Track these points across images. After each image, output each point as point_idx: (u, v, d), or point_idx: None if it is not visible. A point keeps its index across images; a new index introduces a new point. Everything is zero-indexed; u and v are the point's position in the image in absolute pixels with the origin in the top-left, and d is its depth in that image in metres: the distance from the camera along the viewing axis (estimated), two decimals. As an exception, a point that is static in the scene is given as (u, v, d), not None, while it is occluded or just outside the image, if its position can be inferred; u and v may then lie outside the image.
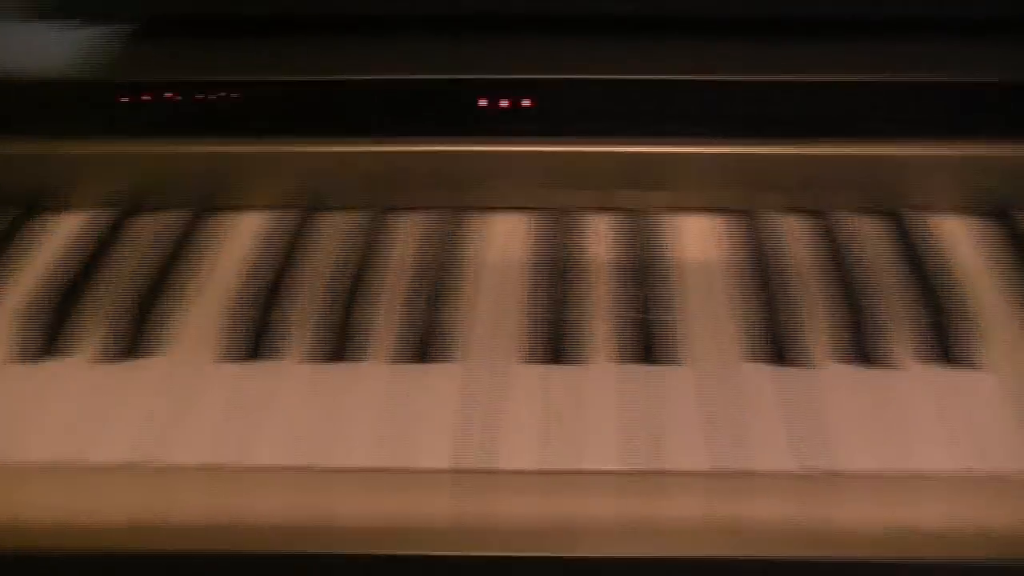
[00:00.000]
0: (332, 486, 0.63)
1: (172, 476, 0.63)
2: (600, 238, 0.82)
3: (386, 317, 0.73)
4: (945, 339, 0.70)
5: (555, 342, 0.71)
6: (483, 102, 0.82)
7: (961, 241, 0.81)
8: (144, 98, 0.82)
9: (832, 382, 0.68)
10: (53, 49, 0.85)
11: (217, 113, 0.83)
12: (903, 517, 0.62)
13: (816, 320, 0.73)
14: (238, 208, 0.84)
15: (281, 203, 0.83)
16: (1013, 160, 0.81)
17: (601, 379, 0.68)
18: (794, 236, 0.81)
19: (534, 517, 0.62)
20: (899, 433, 0.64)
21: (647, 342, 0.71)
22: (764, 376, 0.68)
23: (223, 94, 0.83)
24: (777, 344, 0.70)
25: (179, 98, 0.83)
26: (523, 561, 0.61)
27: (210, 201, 0.84)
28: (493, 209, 0.84)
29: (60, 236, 0.82)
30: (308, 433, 0.65)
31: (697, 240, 0.81)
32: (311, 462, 0.64)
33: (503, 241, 0.82)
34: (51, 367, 0.70)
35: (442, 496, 0.63)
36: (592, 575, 0.62)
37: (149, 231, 0.82)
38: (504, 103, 0.82)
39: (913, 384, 0.68)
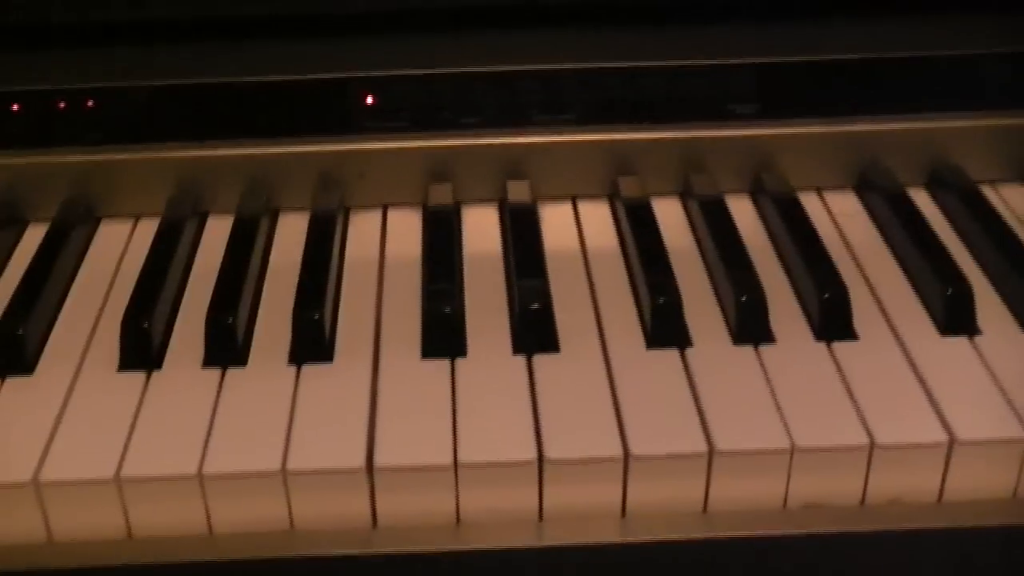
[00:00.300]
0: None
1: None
2: (482, 230, 0.82)
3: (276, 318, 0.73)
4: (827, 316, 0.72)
5: (449, 336, 0.70)
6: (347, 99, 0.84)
7: (847, 215, 0.83)
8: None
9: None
10: None
11: (80, 121, 0.83)
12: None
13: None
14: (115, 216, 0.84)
15: (154, 210, 0.83)
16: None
17: (498, 370, 0.68)
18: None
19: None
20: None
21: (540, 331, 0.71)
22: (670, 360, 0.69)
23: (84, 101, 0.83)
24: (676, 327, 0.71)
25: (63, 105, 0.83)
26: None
27: (86, 211, 0.83)
28: (373, 207, 0.85)
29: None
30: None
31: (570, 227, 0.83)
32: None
33: (388, 238, 0.82)
34: None
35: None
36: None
37: (14, 245, 0.82)
38: (369, 100, 0.84)
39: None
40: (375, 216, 0.84)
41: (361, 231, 0.83)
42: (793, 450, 0.63)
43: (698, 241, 0.81)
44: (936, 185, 0.85)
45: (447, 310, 0.71)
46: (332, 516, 0.63)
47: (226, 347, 0.70)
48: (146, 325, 0.70)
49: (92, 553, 0.62)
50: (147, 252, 0.78)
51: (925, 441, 0.63)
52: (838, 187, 0.86)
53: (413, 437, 0.63)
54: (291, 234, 0.82)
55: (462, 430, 0.64)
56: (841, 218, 0.83)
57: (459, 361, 0.69)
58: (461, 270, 0.78)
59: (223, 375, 0.68)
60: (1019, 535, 0.64)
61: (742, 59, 0.85)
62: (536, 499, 0.63)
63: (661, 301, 0.71)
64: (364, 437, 0.63)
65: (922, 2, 0.87)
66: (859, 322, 0.72)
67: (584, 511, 0.63)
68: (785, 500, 0.64)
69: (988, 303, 0.74)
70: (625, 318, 0.73)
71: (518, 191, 0.83)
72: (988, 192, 0.84)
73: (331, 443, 0.63)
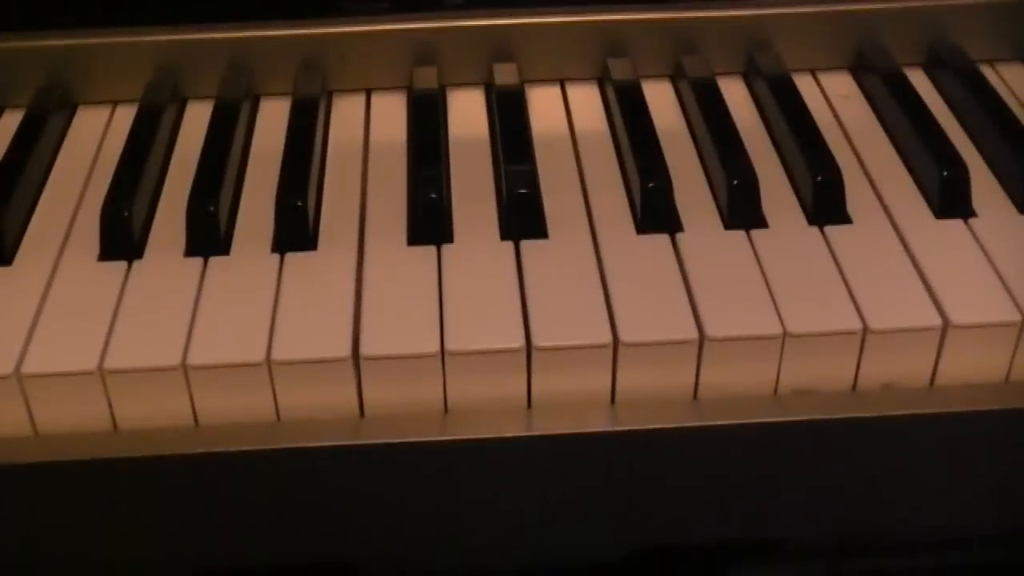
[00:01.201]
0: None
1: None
2: (469, 114, 0.81)
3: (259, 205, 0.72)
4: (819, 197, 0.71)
5: (435, 222, 0.69)
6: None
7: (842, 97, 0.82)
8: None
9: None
10: None
11: (55, 4, 0.81)
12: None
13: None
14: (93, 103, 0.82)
15: (132, 97, 0.81)
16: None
17: (485, 257, 0.67)
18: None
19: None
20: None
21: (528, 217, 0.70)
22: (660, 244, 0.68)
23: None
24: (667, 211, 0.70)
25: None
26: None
27: (62, 97, 0.81)
28: (356, 91, 0.83)
29: None
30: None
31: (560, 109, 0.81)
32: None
33: (372, 123, 0.80)
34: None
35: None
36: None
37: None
38: None
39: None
40: (359, 100, 0.82)
41: (344, 116, 0.81)
42: (785, 336, 0.62)
43: (689, 124, 0.79)
44: (933, 65, 0.84)
45: (433, 196, 0.70)
46: (319, 407, 0.62)
47: (208, 236, 0.69)
48: (126, 213, 0.69)
49: (77, 446, 0.61)
50: (126, 139, 0.76)
51: (919, 325, 0.63)
52: (833, 68, 0.84)
53: (399, 326, 0.63)
54: (273, 120, 0.80)
55: (449, 318, 0.63)
56: (836, 100, 0.81)
57: (446, 248, 0.68)
58: (447, 155, 0.76)
59: (205, 264, 0.67)
60: (1011, 419, 0.63)
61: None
62: (524, 387, 0.62)
63: (651, 185, 0.70)
64: (350, 326, 0.63)
65: None
66: (853, 206, 0.71)
67: (573, 399, 0.63)
68: (776, 387, 0.63)
69: (984, 185, 0.73)
70: (615, 203, 0.72)
71: (505, 74, 0.81)
72: (987, 71, 0.83)
73: (316, 332, 0.62)
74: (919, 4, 0.82)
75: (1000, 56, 0.84)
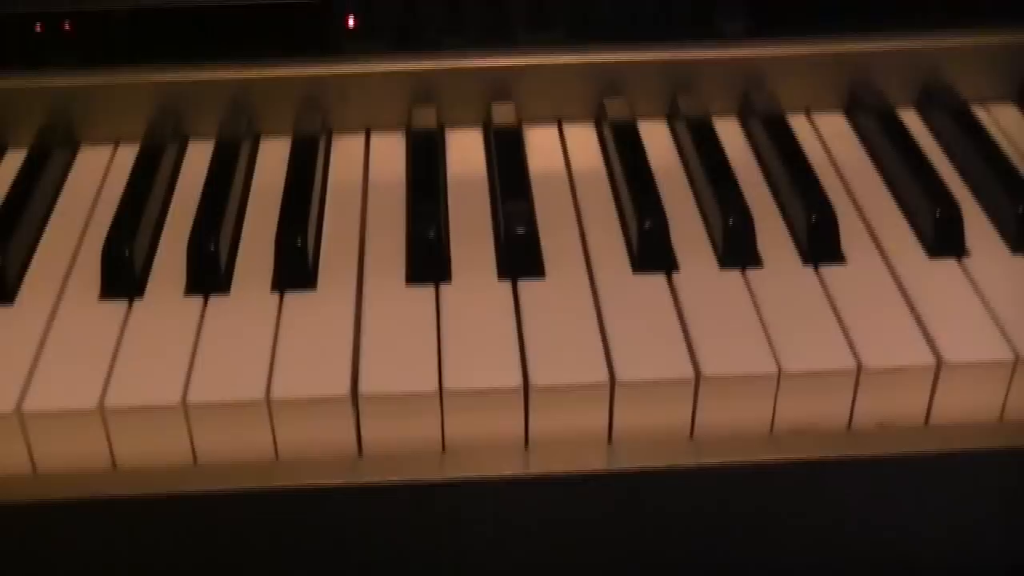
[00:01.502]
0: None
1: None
2: (467, 153, 0.81)
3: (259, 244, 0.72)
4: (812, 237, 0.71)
5: (433, 261, 0.70)
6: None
7: (836, 137, 0.83)
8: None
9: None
10: None
11: (57, 44, 0.81)
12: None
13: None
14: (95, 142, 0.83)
15: (134, 136, 0.82)
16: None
17: (483, 296, 0.68)
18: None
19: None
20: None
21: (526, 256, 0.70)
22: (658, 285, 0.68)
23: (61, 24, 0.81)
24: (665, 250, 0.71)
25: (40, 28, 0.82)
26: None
27: (65, 136, 0.82)
28: (356, 131, 0.83)
29: None
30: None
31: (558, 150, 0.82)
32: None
33: (372, 162, 0.81)
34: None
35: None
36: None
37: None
38: (351, 21, 0.82)
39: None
40: (358, 140, 0.83)
41: (344, 155, 0.81)
42: (780, 374, 0.62)
43: (685, 164, 0.80)
44: (926, 105, 0.84)
45: (432, 235, 0.70)
46: (317, 445, 0.62)
47: (208, 274, 0.69)
48: (127, 252, 0.69)
49: (76, 484, 0.62)
50: (128, 178, 0.77)
51: (913, 364, 0.63)
52: (827, 108, 0.85)
53: (398, 364, 0.63)
54: (273, 159, 0.80)
55: (447, 357, 0.63)
56: (830, 139, 0.82)
57: (444, 287, 0.68)
58: (445, 194, 0.77)
59: (205, 302, 0.68)
60: (1006, 457, 0.64)
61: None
62: (522, 426, 0.63)
63: (647, 225, 0.70)
64: (348, 365, 0.63)
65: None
66: (847, 245, 0.71)
67: (571, 437, 0.63)
68: (772, 425, 0.64)
69: (977, 225, 0.73)
70: (611, 242, 0.72)
71: (503, 114, 0.82)
72: (979, 112, 0.83)
73: (315, 371, 0.63)
74: (912, 46, 0.83)
75: (992, 97, 0.85)
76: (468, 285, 0.69)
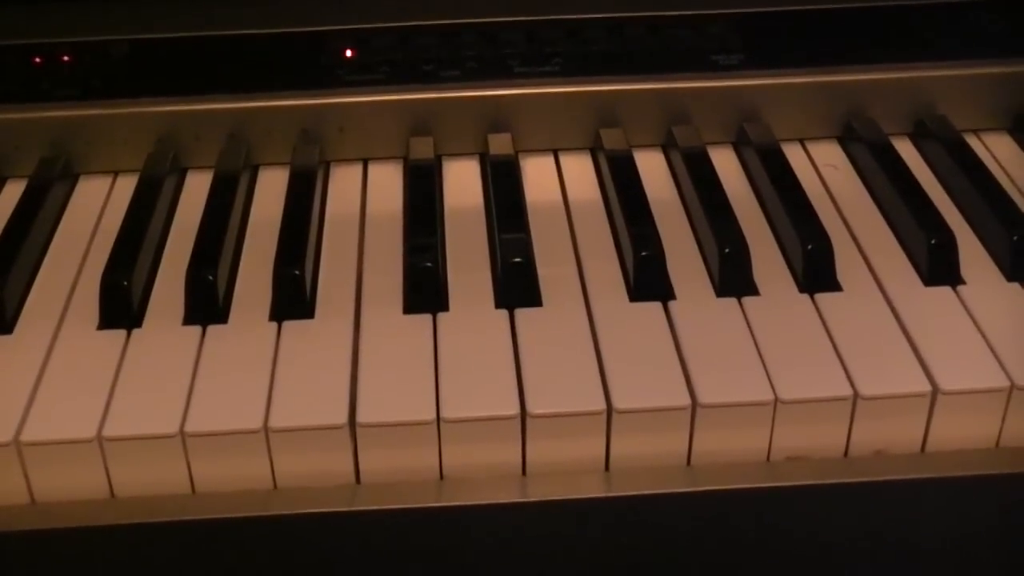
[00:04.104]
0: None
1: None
2: (464, 183, 0.82)
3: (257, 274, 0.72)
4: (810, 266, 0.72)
5: (430, 291, 0.70)
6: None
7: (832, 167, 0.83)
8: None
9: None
10: None
11: (56, 76, 0.83)
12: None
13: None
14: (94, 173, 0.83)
15: (133, 167, 0.82)
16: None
17: (480, 325, 0.68)
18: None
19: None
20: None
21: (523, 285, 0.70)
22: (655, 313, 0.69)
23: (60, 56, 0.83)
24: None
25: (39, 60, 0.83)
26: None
27: (64, 167, 0.82)
28: (353, 161, 0.84)
29: None
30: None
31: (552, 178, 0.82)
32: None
33: (369, 192, 0.81)
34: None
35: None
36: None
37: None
38: (349, 53, 0.83)
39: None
40: (356, 170, 0.83)
41: (341, 186, 0.82)
42: (776, 402, 0.62)
43: (681, 193, 0.80)
44: (920, 135, 0.85)
45: (429, 265, 0.70)
46: (315, 473, 0.63)
47: (207, 304, 0.69)
48: (125, 283, 0.70)
49: (75, 513, 0.62)
50: (126, 209, 0.77)
51: (909, 392, 0.63)
52: (822, 138, 0.85)
53: (396, 393, 0.63)
54: (271, 190, 0.81)
55: (445, 386, 0.64)
56: (825, 169, 0.82)
57: (441, 316, 0.69)
58: (443, 224, 0.77)
59: (204, 332, 0.68)
60: (1002, 484, 0.64)
61: (726, 9, 0.85)
62: (519, 454, 0.63)
63: (644, 254, 0.71)
64: (346, 394, 0.63)
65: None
66: (843, 273, 0.71)
67: (568, 466, 0.63)
68: (769, 453, 0.64)
69: (972, 253, 0.74)
70: (608, 271, 0.72)
71: (499, 144, 0.83)
72: (973, 141, 0.84)
73: (313, 400, 0.63)
74: (906, 76, 0.84)
75: (986, 126, 0.86)
76: (465, 314, 0.69)
